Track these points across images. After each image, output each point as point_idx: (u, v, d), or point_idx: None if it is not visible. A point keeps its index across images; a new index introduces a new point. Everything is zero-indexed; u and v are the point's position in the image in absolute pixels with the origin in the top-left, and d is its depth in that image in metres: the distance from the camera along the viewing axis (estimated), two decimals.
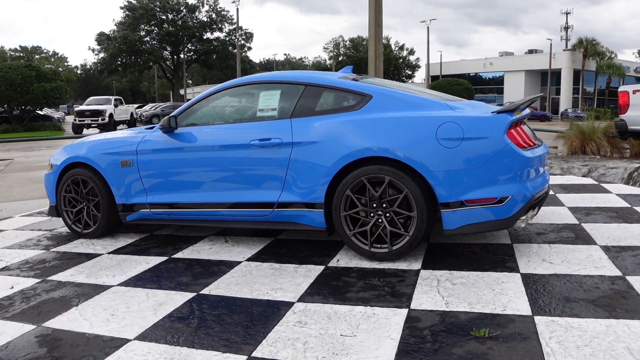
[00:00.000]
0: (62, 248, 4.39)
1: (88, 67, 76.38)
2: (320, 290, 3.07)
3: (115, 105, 29.77)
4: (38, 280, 3.56)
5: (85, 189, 4.61)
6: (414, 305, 2.77)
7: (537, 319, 2.52)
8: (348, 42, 63.53)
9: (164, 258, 3.90)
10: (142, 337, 2.56)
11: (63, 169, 4.70)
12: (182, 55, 55.45)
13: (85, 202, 4.64)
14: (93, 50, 51.27)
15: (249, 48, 56.58)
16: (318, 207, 3.63)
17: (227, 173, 3.95)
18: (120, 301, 3.06)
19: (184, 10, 51.76)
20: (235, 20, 48.89)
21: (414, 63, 58.70)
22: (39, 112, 31.01)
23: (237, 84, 4.21)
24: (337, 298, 2.92)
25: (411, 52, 58.16)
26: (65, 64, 72.99)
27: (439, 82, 47.19)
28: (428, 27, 49.45)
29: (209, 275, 3.45)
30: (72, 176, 4.64)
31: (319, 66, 68.63)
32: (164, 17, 51.14)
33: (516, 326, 2.45)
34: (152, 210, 4.32)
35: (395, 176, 3.35)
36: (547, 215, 4.58)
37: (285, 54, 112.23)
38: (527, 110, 3.83)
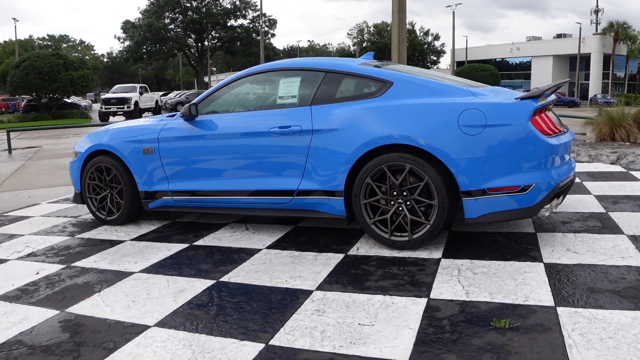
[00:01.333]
0: (87, 235, 4.47)
1: (114, 55, 77.39)
2: (339, 278, 3.06)
3: (141, 93, 30.14)
4: (62, 266, 3.63)
5: (109, 177, 4.67)
6: (433, 294, 2.74)
7: (559, 310, 2.47)
8: (372, 27, 62.90)
9: (185, 245, 3.94)
10: (161, 323, 2.59)
11: (87, 157, 4.77)
12: (206, 43, 55.65)
13: (109, 189, 4.71)
14: (119, 38, 52.27)
15: (273, 35, 56.60)
16: (338, 195, 3.60)
17: (247, 160, 3.95)
18: (142, 288, 3.10)
19: None
20: (258, 7, 48.93)
21: (439, 49, 57.91)
22: (67, 100, 31.61)
23: (258, 71, 4.19)
24: (355, 287, 2.91)
25: (436, 37, 57.34)
26: (92, 52, 74.07)
27: (464, 68, 46.42)
28: (453, 12, 48.63)
29: (229, 262, 3.47)
30: (95, 164, 4.70)
31: (342, 52, 68.18)
32: (188, 4, 51.37)
33: (538, 317, 2.41)
34: (173, 197, 4.36)
35: (416, 164, 3.30)
36: (572, 203, 4.47)
37: (309, 41, 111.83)
38: (553, 96, 3.73)
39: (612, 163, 6.69)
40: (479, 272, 3.01)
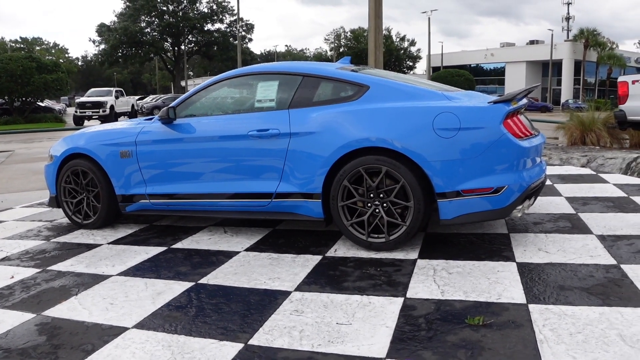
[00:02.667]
0: (62, 238, 4.42)
1: (89, 58, 76.25)
2: (317, 279, 3.09)
3: (116, 97, 29.77)
4: (38, 270, 3.59)
5: (85, 180, 4.63)
6: (409, 294, 2.80)
7: (531, 307, 2.54)
8: (349, 33, 63.29)
9: (163, 248, 3.93)
10: (140, 325, 2.59)
11: (63, 160, 4.72)
12: (182, 47, 55.29)
13: (85, 192, 4.66)
14: (94, 41, 51.24)
15: (250, 39, 56.63)
16: (316, 198, 3.65)
17: (225, 164, 3.97)
18: (119, 290, 3.09)
19: (185, 1, 51.54)
20: (236, 12, 48.84)
21: (415, 54, 58.59)
22: (40, 103, 31.04)
23: (236, 75, 4.21)
24: (333, 287, 2.95)
25: (412, 43, 57.99)
26: (66, 55, 72.93)
27: (439, 74, 47.05)
28: (429, 18, 49.25)
29: (208, 265, 3.48)
30: (72, 167, 4.66)
31: (320, 57, 68.39)
32: (164, 8, 50.96)
33: (510, 314, 2.48)
34: (151, 201, 4.34)
35: (393, 166, 3.37)
36: (544, 205, 4.60)
37: (286, 45, 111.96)
38: (525, 101, 3.84)
39: (582, 166, 6.88)
40: (454, 271, 3.08)
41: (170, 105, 4.25)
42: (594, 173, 6.36)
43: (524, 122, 3.66)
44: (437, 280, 2.96)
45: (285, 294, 2.88)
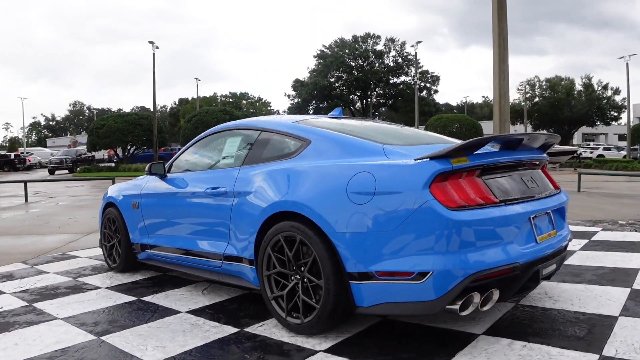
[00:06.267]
0: (84, 279, 4.82)
1: (284, 111, 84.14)
2: (199, 355, 2.85)
3: None
4: (24, 304, 3.95)
5: (113, 227, 5.04)
6: None
7: None
8: (544, 82, 59.20)
9: (132, 299, 4.05)
10: None
11: (104, 207, 5.24)
12: (369, 100, 57.60)
13: (115, 238, 5.06)
14: (288, 96, 56.25)
15: (435, 91, 56.33)
16: (252, 264, 3.40)
17: (192, 219, 4.00)
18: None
19: (372, 56, 53.97)
20: (421, 64, 49.42)
21: (620, 103, 51.90)
22: None
23: (214, 132, 4.28)
24: None
25: (616, 91, 51.56)
26: (269, 108, 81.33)
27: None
28: (627, 64, 43.43)
29: (137, 318, 3.49)
30: (107, 214, 5.14)
31: (512, 109, 65.08)
32: (353, 63, 53.99)
33: None
34: (151, 251, 4.53)
35: (305, 236, 2.97)
36: None
37: (483, 96, 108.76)
38: (539, 153, 3.16)
39: None
40: None
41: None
42: None
43: (483, 185, 2.81)
44: None
45: None
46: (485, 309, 2.83)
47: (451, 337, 2.95)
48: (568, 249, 5.30)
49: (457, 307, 2.66)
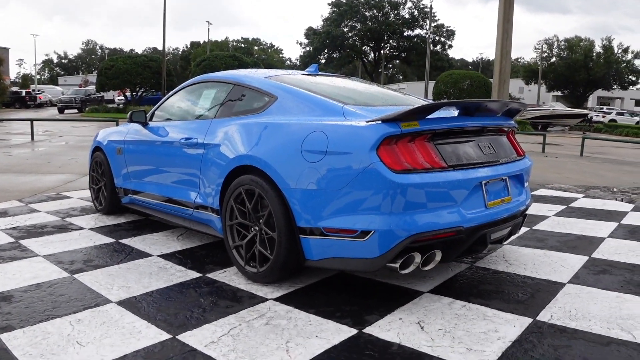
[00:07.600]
0: (71, 219, 5.06)
1: (295, 59, 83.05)
2: (163, 294, 3.09)
3: None
4: (11, 240, 4.21)
5: (100, 170, 5.24)
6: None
7: None
8: (563, 42, 57.65)
9: (111, 240, 4.28)
10: None
11: (92, 151, 5.42)
12: (382, 52, 56.66)
13: (102, 181, 5.27)
14: (300, 44, 55.53)
15: (450, 46, 55.18)
16: (218, 213, 3.59)
17: (167, 167, 4.17)
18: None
19: (387, 7, 52.72)
20: (437, 18, 48.30)
21: (639, 68, 50.61)
22: None
23: (190, 84, 4.42)
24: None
25: (637, 55, 50.17)
26: (280, 55, 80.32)
27: None
28: None
29: (110, 258, 3.73)
30: (95, 158, 5.33)
31: (528, 68, 63.69)
32: (367, 13, 52.83)
33: None
34: (132, 195, 4.73)
35: (263, 190, 3.13)
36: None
37: None
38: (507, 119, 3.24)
39: None
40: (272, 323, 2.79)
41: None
42: None
43: (433, 149, 2.87)
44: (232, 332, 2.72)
45: (106, 302, 2.95)
46: (426, 268, 2.97)
47: (397, 293, 3.13)
48: (542, 214, 5.48)
49: (397, 265, 2.81)
